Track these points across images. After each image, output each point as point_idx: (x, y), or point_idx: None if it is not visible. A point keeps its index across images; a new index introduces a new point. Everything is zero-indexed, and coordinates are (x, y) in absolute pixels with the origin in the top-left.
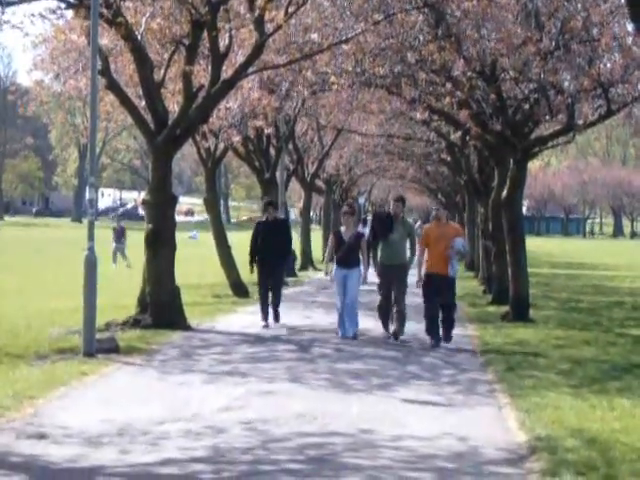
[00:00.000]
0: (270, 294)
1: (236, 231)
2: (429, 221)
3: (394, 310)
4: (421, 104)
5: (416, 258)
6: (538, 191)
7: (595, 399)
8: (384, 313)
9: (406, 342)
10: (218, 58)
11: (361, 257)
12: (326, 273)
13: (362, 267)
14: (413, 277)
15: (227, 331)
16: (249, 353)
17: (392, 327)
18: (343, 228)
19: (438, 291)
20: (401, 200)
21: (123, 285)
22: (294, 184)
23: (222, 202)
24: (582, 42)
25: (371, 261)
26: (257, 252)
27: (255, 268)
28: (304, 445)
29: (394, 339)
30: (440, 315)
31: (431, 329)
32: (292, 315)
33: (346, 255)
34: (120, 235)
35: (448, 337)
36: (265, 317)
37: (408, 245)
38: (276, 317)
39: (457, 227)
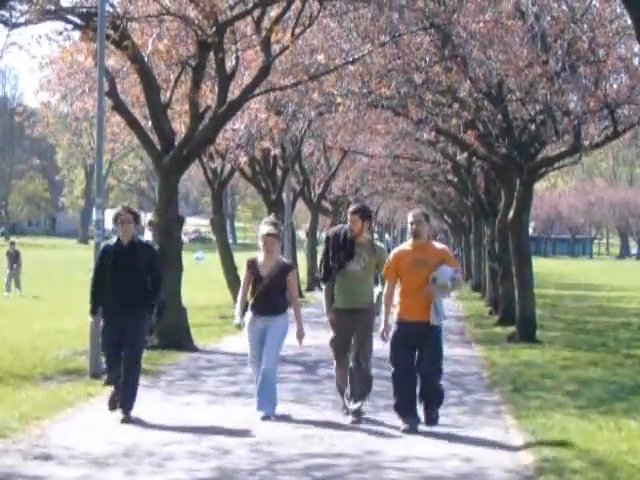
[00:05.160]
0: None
1: (242, 252)
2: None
3: (353, 370)
4: (427, 125)
5: (382, 296)
6: (544, 212)
7: (602, 420)
8: (340, 382)
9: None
10: (225, 79)
11: (289, 300)
12: (239, 325)
13: (290, 312)
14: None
15: (233, 352)
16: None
17: (350, 403)
18: (261, 257)
19: (413, 350)
20: (361, 212)
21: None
22: (301, 205)
23: (228, 223)
24: (588, 63)
25: (324, 305)
26: (103, 296)
27: (100, 319)
28: (310, 466)
29: (354, 417)
30: (418, 384)
31: (402, 405)
32: None
33: (265, 297)
34: (14, 260)
35: (431, 417)
36: (116, 392)
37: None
38: (125, 404)
39: (443, 249)
